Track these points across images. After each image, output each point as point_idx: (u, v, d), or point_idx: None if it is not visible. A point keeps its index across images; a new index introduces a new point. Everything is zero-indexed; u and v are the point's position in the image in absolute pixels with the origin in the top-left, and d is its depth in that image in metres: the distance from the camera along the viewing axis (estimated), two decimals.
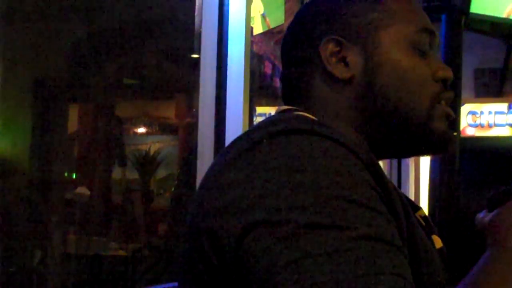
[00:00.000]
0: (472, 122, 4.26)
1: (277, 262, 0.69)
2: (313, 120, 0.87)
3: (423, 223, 0.99)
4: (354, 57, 0.93)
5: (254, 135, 0.81)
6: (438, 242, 0.98)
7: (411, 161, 4.22)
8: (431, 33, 0.96)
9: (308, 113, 0.92)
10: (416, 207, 1.01)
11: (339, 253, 0.68)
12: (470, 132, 4.25)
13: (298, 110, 0.94)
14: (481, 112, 4.27)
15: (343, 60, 0.93)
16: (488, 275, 0.77)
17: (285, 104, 0.99)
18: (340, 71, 0.93)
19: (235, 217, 0.74)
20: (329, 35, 0.94)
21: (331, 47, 0.93)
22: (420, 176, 4.23)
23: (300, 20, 1.00)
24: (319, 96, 0.95)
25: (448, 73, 0.95)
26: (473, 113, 4.25)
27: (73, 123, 5.63)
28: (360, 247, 0.69)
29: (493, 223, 0.86)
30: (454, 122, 2.27)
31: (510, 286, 0.75)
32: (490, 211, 0.90)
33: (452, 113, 0.96)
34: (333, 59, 0.93)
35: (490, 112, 4.27)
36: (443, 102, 0.95)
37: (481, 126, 4.27)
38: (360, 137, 0.93)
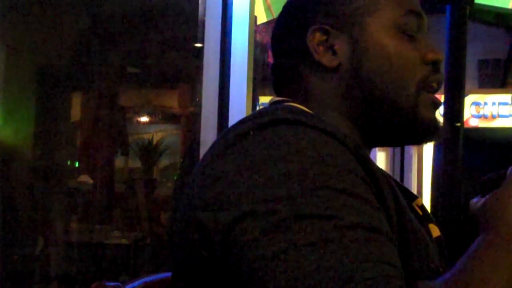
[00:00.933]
0: (475, 113, 4.25)
1: (264, 253, 0.69)
2: (301, 110, 0.87)
3: (420, 212, 0.99)
4: (342, 45, 0.93)
5: (242, 127, 0.81)
6: (435, 231, 0.98)
7: (414, 152, 4.23)
8: (419, 15, 0.96)
9: (299, 103, 0.92)
10: (413, 196, 1.01)
11: (325, 243, 0.68)
12: (473, 123, 4.24)
13: (289, 101, 0.94)
14: (485, 103, 4.26)
15: (331, 49, 0.93)
16: (478, 260, 0.76)
17: (277, 95, 1.00)
18: (328, 60, 0.93)
19: (223, 209, 0.74)
20: (315, 24, 0.94)
21: (318, 36, 0.93)
22: (423, 167, 4.24)
23: (288, 10, 1.01)
24: (309, 85, 0.95)
25: (438, 55, 0.95)
26: (476, 104, 4.24)
27: (76, 111, 5.64)
28: (346, 236, 0.69)
29: (485, 207, 0.85)
30: (458, 113, 2.27)
31: (499, 270, 0.74)
32: (483, 195, 0.89)
33: (439, 101, 0.96)
34: (321, 48, 0.93)
35: (493, 103, 4.26)
36: (434, 84, 0.94)
37: (484, 117, 4.26)
38: (351, 126, 0.93)
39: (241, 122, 0.85)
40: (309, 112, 0.87)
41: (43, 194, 4.41)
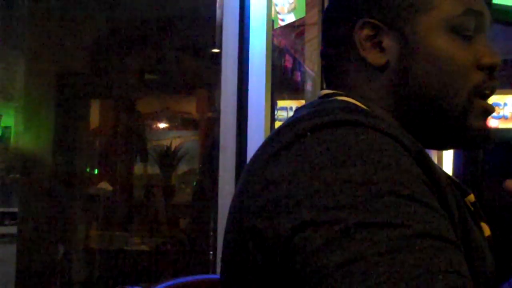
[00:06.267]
0: (495, 114, 4.22)
1: (328, 264, 0.65)
2: (358, 108, 0.82)
3: (472, 209, 0.94)
4: (391, 42, 0.87)
5: (298, 127, 0.76)
6: (486, 230, 0.94)
7: (433, 153, 4.20)
8: (479, 14, 0.89)
9: (352, 97, 0.87)
10: (466, 192, 0.96)
11: (393, 253, 0.64)
12: (493, 124, 4.22)
13: (341, 94, 0.90)
14: (505, 104, 4.25)
15: (379, 45, 0.88)
16: None
17: (326, 83, 0.95)
18: (374, 57, 0.88)
19: (282, 216, 0.70)
20: (365, 18, 0.88)
21: (366, 31, 0.88)
22: (443, 168, 4.21)
23: None
24: (354, 79, 0.90)
25: (494, 59, 0.88)
26: (496, 104, 4.23)
27: (94, 118, 5.66)
28: (415, 246, 0.65)
29: None
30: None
31: None
32: None
33: (492, 108, 0.90)
34: (368, 44, 0.88)
35: None
36: (488, 91, 0.88)
37: (504, 117, 4.24)
38: (398, 125, 0.87)
39: (296, 120, 0.79)
40: (367, 110, 0.82)
41: (63, 200, 4.44)
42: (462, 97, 0.86)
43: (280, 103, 3.53)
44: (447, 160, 4.17)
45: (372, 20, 0.88)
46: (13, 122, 4.75)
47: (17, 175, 4.44)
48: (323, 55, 0.96)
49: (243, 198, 0.78)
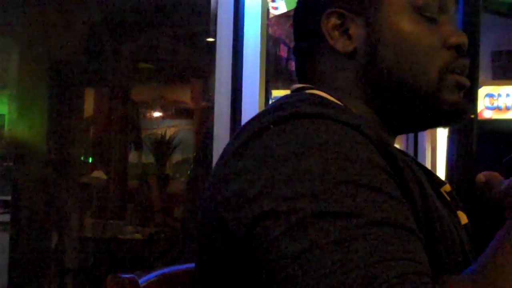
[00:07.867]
0: (489, 105, 4.24)
1: (286, 253, 0.67)
2: (323, 100, 0.83)
3: (448, 198, 0.94)
4: (357, 29, 0.88)
5: (262, 121, 0.78)
6: (463, 218, 0.94)
7: (427, 144, 4.21)
8: None
9: (322, 90, 0.89)
10: (441, 182, 0.96)
11: (348, 241, 0.66)
12: (487, 114, 4.23)
13: (311, 88, 0.91)
14: (499, 95, 4.25)
15: (346, 33, 0.89)
16: (504, 250, 0.71)
17: (299, 78, 0.97)
18: (342, 45, 0.88)
19: (244, 207, 0.72)
20: (331, 7, 0.89)
21: (333, 20, 0.89)
22: (436, 159, 4.22)
23: None
24: (326, 71, 0.91)
25: (461, 39, 0.88)
26: (490, 95, 4.23)
27: (89, 107, 5.66)
28: (370, 234, 0.66)
29: (509, 190, 0.82)
30: (472, 104, 2.25)
31: None
32: (506, 177, 0.86)
33: (465, 81, 0.89)
34: (336, 33, 0.89)
35: (507, 95, 4.24)
36: (457, 71, 0.88)
37: (498, 108, 4.24)
38: (371, 112, 0.89)
39: (261, 114, 0.81)
40: (331, 102, 0.83)
41: (56, 189, 4.44)
42: (432, 74, 0.86)
43: (275, 93, 3.52)
44: (440, 151, 4.18)
45: (337, 9, 0.89)
46: (7, 110, 4.74)
47: (11, 163, 4.44)
48: (295, 51, 0.97)
49: (212, 189, 0.80)
